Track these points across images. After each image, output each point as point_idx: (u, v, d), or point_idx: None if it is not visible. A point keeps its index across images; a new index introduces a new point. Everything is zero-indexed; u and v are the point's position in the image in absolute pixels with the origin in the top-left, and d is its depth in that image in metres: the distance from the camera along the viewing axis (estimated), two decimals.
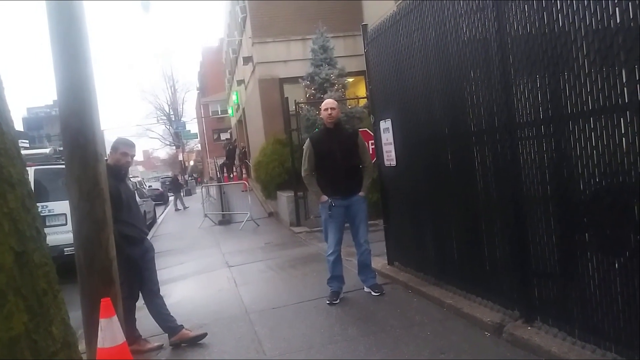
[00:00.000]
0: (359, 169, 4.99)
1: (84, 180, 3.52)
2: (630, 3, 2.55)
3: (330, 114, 4.91)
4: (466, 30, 3.95)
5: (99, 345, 3.03)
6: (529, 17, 3.28)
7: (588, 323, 3.07)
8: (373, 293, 5.02)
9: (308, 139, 5.19)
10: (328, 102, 5.00)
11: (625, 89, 2.65)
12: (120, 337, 3.08)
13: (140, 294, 4.40)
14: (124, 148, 4.35)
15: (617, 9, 2.64)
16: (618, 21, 2.65)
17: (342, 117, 11.54)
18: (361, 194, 4.97)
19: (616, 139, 2.73)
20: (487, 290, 4.07)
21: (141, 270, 4.28)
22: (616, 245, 2.86)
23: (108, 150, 4.46)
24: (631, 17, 2.55)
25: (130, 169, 4.81)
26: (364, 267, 5.16)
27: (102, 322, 3.05)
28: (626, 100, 2.65)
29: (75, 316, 3.50)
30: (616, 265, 2.88)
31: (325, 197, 4.95)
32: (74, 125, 3.52)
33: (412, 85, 4.87)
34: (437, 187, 4.69)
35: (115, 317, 3.11)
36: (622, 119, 2.68)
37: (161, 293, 4.55)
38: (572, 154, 3.06)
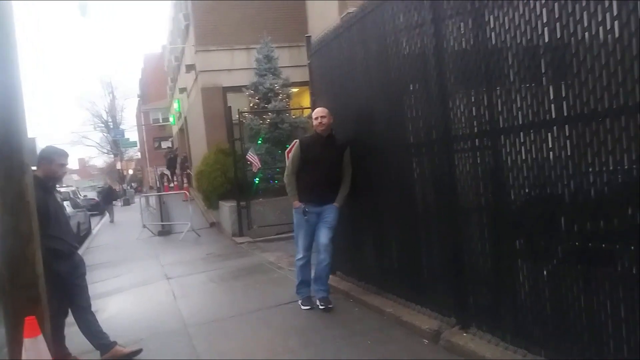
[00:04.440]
0: (339, 181, 4.96)
1: (8, 192, 3.32)
2: (557, 24, 2.70)
3: (320, 122, 4.88)
4: (406, 46, 4.05)
5: None
6: (465, 34, 3.41)
7: (519, 329, 3.19)
8: (320, 306, 4.90)
9: (298, 140, 5.15)
10: (318, 111, 4.95)
11: (552, 105, 2.79)
12: (46, 357, 2.90)
13: (69, 310, 4.17)
14: (60, 159, 4.13)
15: (545, 28, 2.78)
16: (546, 40, 2.80)
17: (286, 127, 11.67)
18: (335, 204, 4.95)
19: (544, 152, 2.87)
20: (425, 298, 4.16)
21: (71, 286, 4.06)
22: (544, 253, 2.99)
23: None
24: (558, 37, 2.70)
25: (64, 178, 4.57)
26: (319, 279, 5.05)
27: (27, 341, 2.88)
28: (553, 116, 2.80)
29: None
30: (544, 272, 3.01)
31: (298, 203, 4.93)
32: None
33: (355, 97, 4.95)
34: (377, 198, 4.76)
35: (40, 337, 2.94)
36: (549, 133, 2.83)
37: (95, 307, 4.35)
38: (503, 166, 3.19)
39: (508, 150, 3.13)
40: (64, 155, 4.23)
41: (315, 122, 4.95)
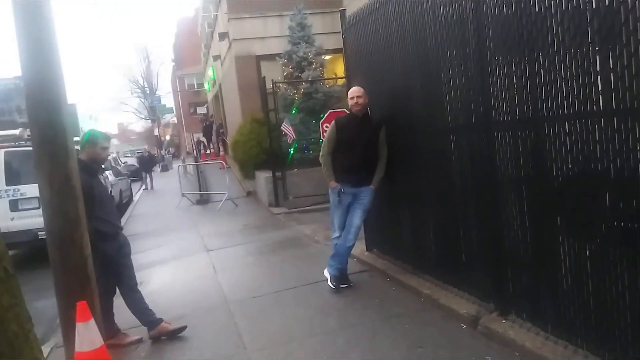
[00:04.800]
0: (374, 161, 4.94)
1: (54, 176, 3.41)
2: None
3: (356, 102, 4.84)
4: (444, 21, 3.91)
5: (77, 348, 2.99)
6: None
7: (560, 318, 3.15)
8: (332, 284, 4.98)
9: (334, 120, 5.13)
10: (353, 90, 4.91)
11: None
12: (98, 340, 3.04)
13: (117, 289, 4.36)
14: (104, 142, 4.25)
15: None
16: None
17: (320, 97, 11.57)
18: (371, 186, 4.94)
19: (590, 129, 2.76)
20: (463, 282, 4.15)
21: (117, 266, 4.23)
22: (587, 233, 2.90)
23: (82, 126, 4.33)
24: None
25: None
26: (339, 256, 5.06)
27: (79, 326, 3.01)
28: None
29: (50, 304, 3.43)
30: (587, 255, 2.93)
31: (335, 183, 4.95)
32: (43, 118, 3.39)
33: (391, 75, 4.84)
34: (414, 177, 4.72)
35: (92, 321, 3.06)
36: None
37: (139, 279, 4.53)
38: (546, 143, 3.08)
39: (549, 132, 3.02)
40: (107, 138, 4.35)
41: (350, 102, 4.89)
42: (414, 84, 4.47)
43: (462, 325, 3.82)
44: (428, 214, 4.63)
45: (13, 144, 9.14)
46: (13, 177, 8.66)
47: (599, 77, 2.64)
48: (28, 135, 9.73)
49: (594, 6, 2.64)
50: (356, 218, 4.95)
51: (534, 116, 3.14)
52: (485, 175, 3.67)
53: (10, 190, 8.60)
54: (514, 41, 3.22)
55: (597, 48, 2.64)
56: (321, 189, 8.85)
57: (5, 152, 8.78)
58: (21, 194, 8.59)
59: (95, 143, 4.21)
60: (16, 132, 10.48)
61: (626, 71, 2.45)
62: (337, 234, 5.07)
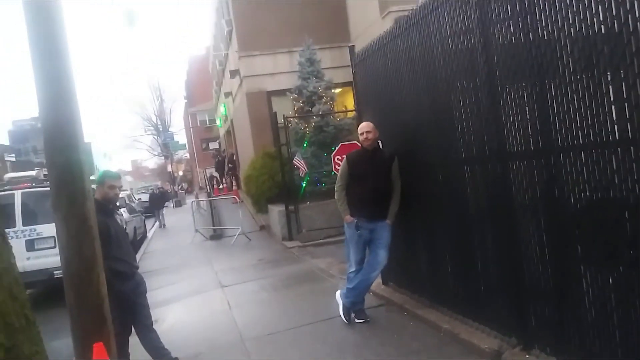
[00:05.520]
0: (389, 194, 4.94)
1: (71, 218, 3.44)
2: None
3: (366, 137, 4.90)
4: (454, 55, 3.95)
5: None
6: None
7: (586, 353, 3.06)
8: (357, 320, 4.98)
9: (345, 156, 5.19)
10: (363, 126, 4.97)
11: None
12: None
13: (132, 328, 4.33)
14: (111, 181, 4.29)
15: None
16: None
17: (331, 130, 11.67)
18: (387, 221, 4.94)
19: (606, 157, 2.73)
20: (483, 315, 4.06)
21: (133, 305, 4.21)
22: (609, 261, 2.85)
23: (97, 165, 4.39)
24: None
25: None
26: (359, 291, 5.07)
27: None
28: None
29: (65, 344, 3.41)
30: (612, 294, 2.87)
31: (350, 218, 4.96)
32: (60, 160, 3.44)
33: (402, 109, 4.88)
34: (430, 209, 4.69)
35: None
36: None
37: (154, 317, 4.49)
38: (562, 172, 3.06)
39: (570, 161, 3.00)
40: (116, 177, 4.40)
41: (361, 137, 4.95)
42: (426, 116, 4.49)
43: None
44: (444, 246, 4.58)
45: (29, 184, 9.29)
46: (29, 218, 8.76)
47: (612, 106, 2.63)
48: (44, 176, 9.92)
49: (602, 31, 2.65)
50: (381, 256, 4.92)
51: (548, 146, 3.13)
52: (501, 206, 3.64)
53: (26, 230, 8.69)
54: (524, 72, 3.24)
55: (609, 77, 2.64)
56: (334, 221, 8.82)
57: (22, 193, 8.91)
58: (37, 234, 8.67)
59: (102, 182, 4.26)
60: (32, 173, 10.69)
61: None
62: (353, 269, 5.03)
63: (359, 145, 5.19)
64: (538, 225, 3.38)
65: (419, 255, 5.06)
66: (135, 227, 15.80)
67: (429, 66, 4.31)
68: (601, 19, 2.64)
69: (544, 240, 3.35)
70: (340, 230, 5.52)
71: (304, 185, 11.19)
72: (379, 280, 5.86)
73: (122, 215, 13.70)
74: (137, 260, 4.85)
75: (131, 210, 16.86)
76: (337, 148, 8.76)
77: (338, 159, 8.10)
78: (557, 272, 3.27)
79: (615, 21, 2.55)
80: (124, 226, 11.96)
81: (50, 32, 3.32)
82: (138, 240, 15.84)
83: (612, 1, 2.56)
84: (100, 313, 3.57)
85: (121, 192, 4.77)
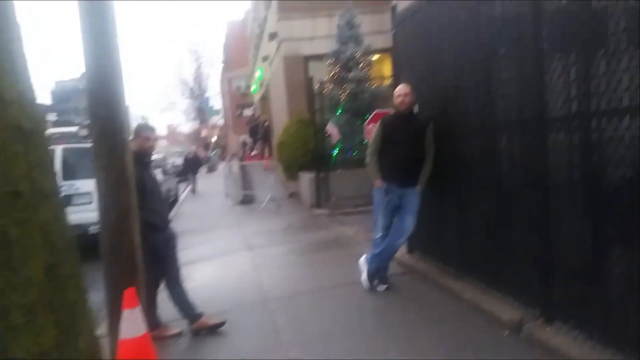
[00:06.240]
0: (421, 160, 4.88)
1: (111, 169, 3.56)
2: None
3: (402, 100, 4.83)
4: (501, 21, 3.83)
5: (121, 335, 3.08)
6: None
7: (609, 328, 3.02)
8: (380, 286, 5.00)
9: (380, 120, 5.15)
10: (400, 89, 4.89)
11: None
12: (142, 328, 3.11)
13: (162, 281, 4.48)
14: (146, 132, 4.40)
15: None
16: None
17: (366, 97, 11.54)
18: (418, 187, 4.89)
19: None
20: (508, 287, 4.02)
21: (164, 258, 4.35)
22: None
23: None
24: None
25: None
26: (386, 255, 5.06)
27: (125, 312, 3.10)
28: None
29: (97, 296, 3.59)
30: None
31: (380, 182, 4.93)
32: (102, 114, 3.54)
33: (441, 72, 4.78)
34: (462, 177, 4.62)
35: (138, 308, 3.14)
36: None
37: (182, 276, 4.64)
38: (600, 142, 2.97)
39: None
40: (151, 129, 4.50)
41: (397, 100, 4.86)
42: (465, 81, 4.38)
43: (505, 330, 3.72)
44: (474, 215, 4.52)
45: (69, 141, 9.57)
46: (69, 173, 9.05)
47: None
48: (83, 134, 10.20)
49: None
50: (408, 223, 4.89)
51: (589, 110, 3.03)
52: (535, 176, 3.56)
53: (65, 185, 8.99)
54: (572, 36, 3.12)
55: None
56: (364, 190, 8.78)
57: (63, 149, 9.18)
58: (75, 189, 8.95)
59: (138, 134, 4.36)
60: (73, 129, 11.00)
61: None
62: (380, 234, 5.02)
63: (394, 110, 5.11)
64: (572, 198, 3.30)
65: (447, 224, 5.02)
66: (168, 189, 16.12)
67: (473, 27, 4.17)
68: None
69: (576, 213, 3.27)
70: (369, 199, 5.51)
71: (336, 153, 11.17)
72: (404, 248, 5.87)
73: (156, 174, 13.99)
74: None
75: (165, 173, 17.21)
76: (371, 116, 8.68)
77: (371, 127, 8.03)
78: (587, 247, 3.21)
79: None
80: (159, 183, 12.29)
81: None
82: (170, 202, 16.19)
83: None
84: (132, 262, 3.71)
85: (155, 154, 4.87)
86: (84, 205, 8.75)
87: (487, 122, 4.12)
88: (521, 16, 3.58)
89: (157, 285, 4.45)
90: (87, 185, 8.44)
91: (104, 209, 3.58)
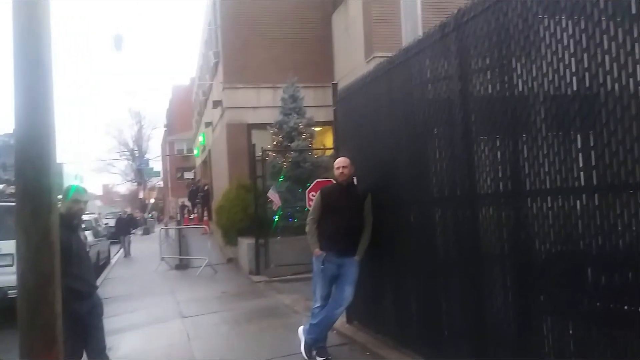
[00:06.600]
0: (359, 230, 4.94)
1: (32, 232, 3.33)
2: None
3: (342, 172, 4.93)
4: (433, 102, 4.07)
5: None
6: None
7: None
8: (318, 358, 4.85)
9: (320, 190, 5.24)
10: (340, 161, 5.02)
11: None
12: None
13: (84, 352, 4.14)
14: (76, 195, 4.20)
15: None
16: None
17: (308, 166, 11.72)
18: (356, 257, 4.90)
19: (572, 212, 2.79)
20: (445, 358, 4.02)
21: (87, 328, 4.04)
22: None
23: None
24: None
25: (89, 204, 4.62)
26: (323, 327, 4.98)
27: None
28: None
29: None
30: (571, 345, 2.88)
31: (319, 251, 4.91)
32: (29, 173, 3.36)
33: (379, 147, 4.97)
34: (399, 248, 4.70)
35: None
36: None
37: (109, 345, 4.31)
38: (529, 219, 3.11)
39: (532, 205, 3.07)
40: (81, 191, 4.30)
41: (336, 172, 4.99)
42: (401, 156, 4.57)
43: None
44: (411, 286, 4.57)
45: None
46: None
47: (579, 154, 2.72)
48: (10, 192, 9.63)
49: (574, 89, 2.77)
50: (347, 292, 4.87)
51: (517, 189, 3.20)
52: (469, 249, 3.67)
53: None
54: (498, 119, 3.34)
55: (578, 127, 2.74)
56: (304, 257, 8.68)
57: None
58: None
59: (66, 196, 4.16)
60: None
61: (606, 149, 2.54)
62: (318, 304, 4.96)
63: (334, 181, 5.22)
64: (503, 270, 3.41)
65: (385, 295, 5.03)
66: (99, 251, 15.36)
67: (408, 108, 4.40)
68: (573, 71, 2.75)
69: (508, 285, 3.37)
70: (308, 267, 5.48)
71: (276, 219, 11.11)
72: (343, 318, 5.79)
73: (87, 237, 13.37)
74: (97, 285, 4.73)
75: (96, 234, 16.44)
76: (312, 184, 8.78)
77: (312, 195, 8.09)
78: (520, 318, 3.28)
79: (586, 74, 2.66)
80: (87, 247, 11.67)
81: (36, 35, 3.29)
82: (101, 266, 15.37)
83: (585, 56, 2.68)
84: (52, 332, 3.40)
85: (88, 214, 4.67)
86: (3, 267, 8.13)
87: (423, 196, 4.27)
88: (451, 100, 3.82)
89: (79, 357, 4.09)
90: (8, 246, 7.87)
91: (23, 273, 3.31)
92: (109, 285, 11.63)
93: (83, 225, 12.58)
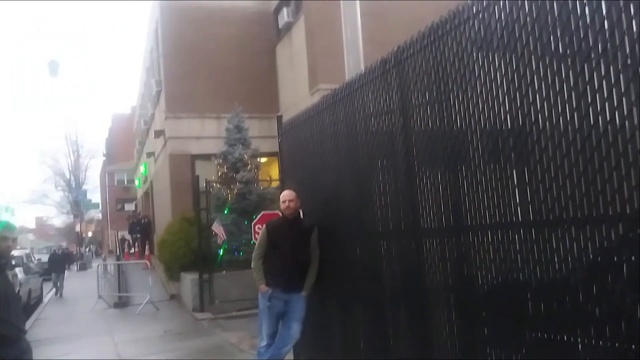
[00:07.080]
0: (306, 265, 4.85)
1: None
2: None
3: (287, 206, 4.85)
4: (376, 133, 4.12)
5: None
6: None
7: None
8: None
9: (265, 224, 5.12)
10: (285, 194, 4.93)
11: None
12: None
13: None
14: (3, 232, 3.92)
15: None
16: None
17: (254, 198, 11.58)
18: (303, 293, 4.80)
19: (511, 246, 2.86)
20: None
21: None
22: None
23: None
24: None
25: (20, 238, 4.31)
26: None
27: None
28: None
29: None
30: None
31: (265, 287, 4.78)
32: None
33: (324, 180, 4.96)
34: (346, 282, 4.65)
35: None
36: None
37: None
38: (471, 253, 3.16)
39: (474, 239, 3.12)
40: (8, 228, 4.03)
41: (282, 205, 4.93)
42: (347, 189, 4.57)
43: None
44: (359, 320, 4.52)
45: None
46: None
47: (516, 189, 2.81)
48: None
49: (509, 126, 2.87)
50: (294, 330, 4.78)
51: (458, 224, 3.25)
52: (414, 282, 3.69)
53: None
54: (439, 154, 3.41)
55: (513, 163, 2.83)
56: (250, 293, 8.49)
57: None
58: None
59: None
60: None
61: (541, 185, 2.63)
62: (264, 343, 4.82)
63: (280, 214, 5.15)
64: (448, 303, 3.44)
65: (333, 328, 4.95)
66: (30, 289, 14.45)
67: (352, 141, 4.44)
68: (507, 109, 2.86)
69: (453, 317, 3.39)
70: (255, 302, 5.33)
71: (221, 253, 10.85)
72: (290, 355, 5.65)
73: (16, 274, 12.58)
74: (28, 327, 4.37)
75: (27, 271, 15.46)
76: (258, 217, 8.66)
77: (259, 227, 7.96)
78: (465, 350, 3.30)
79: (519, 111, 2.77)
80: (17, 287, 10.94)
81: None
82: (32, 305, 14.42)
83: (517, 94, 2.79)
84: None
85: (18, 250, 4.36)
86: None
87: (368, 229, 4.28)
88: (394, 134, 3.88)
89: None
90: None
91: None
92: (40, 327, 10.89)
93: (13, 262, 11.85)
